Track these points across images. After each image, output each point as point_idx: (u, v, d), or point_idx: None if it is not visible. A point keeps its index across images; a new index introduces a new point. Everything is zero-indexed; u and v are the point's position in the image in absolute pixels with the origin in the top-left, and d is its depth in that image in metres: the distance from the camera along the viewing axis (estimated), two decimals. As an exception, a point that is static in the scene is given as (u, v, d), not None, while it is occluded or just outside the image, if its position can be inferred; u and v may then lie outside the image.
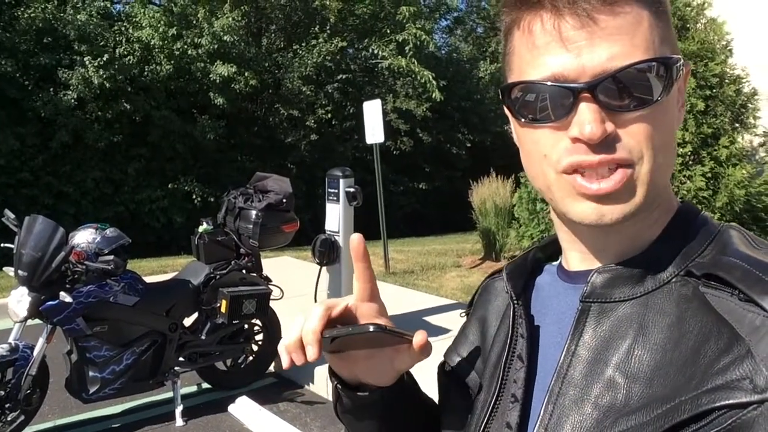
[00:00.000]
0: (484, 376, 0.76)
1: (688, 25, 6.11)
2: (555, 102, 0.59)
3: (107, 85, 12.01)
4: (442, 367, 0.86)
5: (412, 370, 0.78)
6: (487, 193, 8.85)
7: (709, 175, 5.90)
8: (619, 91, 0.57)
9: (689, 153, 5.93)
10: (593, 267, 0.66)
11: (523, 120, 0.63)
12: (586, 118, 0.57)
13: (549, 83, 0.59)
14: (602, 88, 0.57)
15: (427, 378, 0.95)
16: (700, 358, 0.54)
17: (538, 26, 0.60)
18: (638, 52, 0.58)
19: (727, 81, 6.03)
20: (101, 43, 12.39)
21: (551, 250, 0.79)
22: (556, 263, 0.76)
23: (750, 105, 6.32)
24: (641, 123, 0.58)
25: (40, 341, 3.48)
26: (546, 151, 0.61)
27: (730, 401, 0.50)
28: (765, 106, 6.53)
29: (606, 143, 0.58)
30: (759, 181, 6.16)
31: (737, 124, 6.30)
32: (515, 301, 0.73)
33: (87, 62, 11.80)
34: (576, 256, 0.70)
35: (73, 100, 11.85)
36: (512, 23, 0.64)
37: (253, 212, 4.23)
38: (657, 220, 0.65)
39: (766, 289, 0.54)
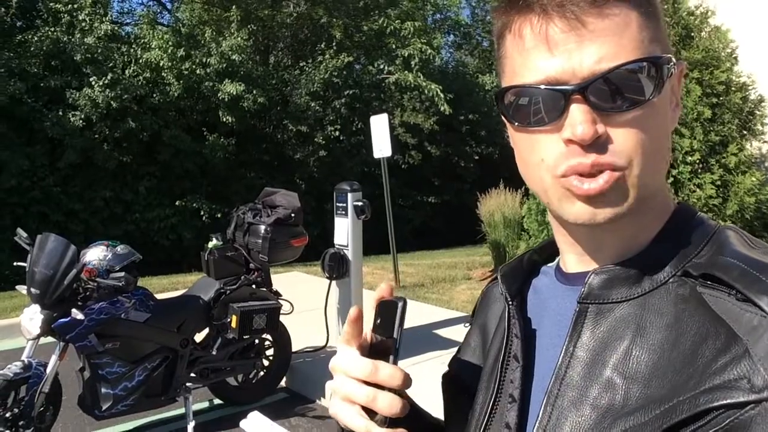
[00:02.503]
0: (482, 378, 0.77)
1: (692, 34, 6.12)
2: (547, 105, 0.60)
3: (114, 104, 12.15)
4: (446, 377, 0.86)
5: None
6: (495, 205, 8.85)
7: (719, 183, 5.89)
8: (610, 92, 0.58)
9: (698, 161, 5.92)
10: (590, 268, 0.66)
11: (517, 124, 0.64)
12: (578, 119, 0.57)
13: (540, 86, 0.60)
14: (593, 90, 0.58)
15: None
16: (697, 358, 0.54)
17: (528, 30, 0.61)
18: (627, 53, 0.58)
19: (733, 88, 6.03)
20: (110, 65, 12.56)
21: (548, 252, 0.79)
22: (552, 264, 0.77)
23: (757, 112, 6.31)
24: (633, 124, 0.59)
25: (53, 359, 3.50)
26: (542, 155, 0.62)
27: (728, 401, 0.51)
28: (772, 113, 6.51)
29: (598, 145, 0.58)
30: (769, 188, 6.13)
31: (745, 132, 6.29)
32: (509, 302, 0.73)
33: (93, 82, 11.97)
34: (573, 258, 0.70)
35: (80, 121, 11.99)
36: (503, 27, 0.65)
37: (262, 227, 4.25)
38: (653, 220, 0.65)
39: (763, 288, 0.54)
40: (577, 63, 0.58)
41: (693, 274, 0.60)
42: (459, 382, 0.83)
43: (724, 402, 0.51)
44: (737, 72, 6.18)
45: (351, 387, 0.65)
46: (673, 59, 0.61)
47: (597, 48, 0.58)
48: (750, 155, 6.16)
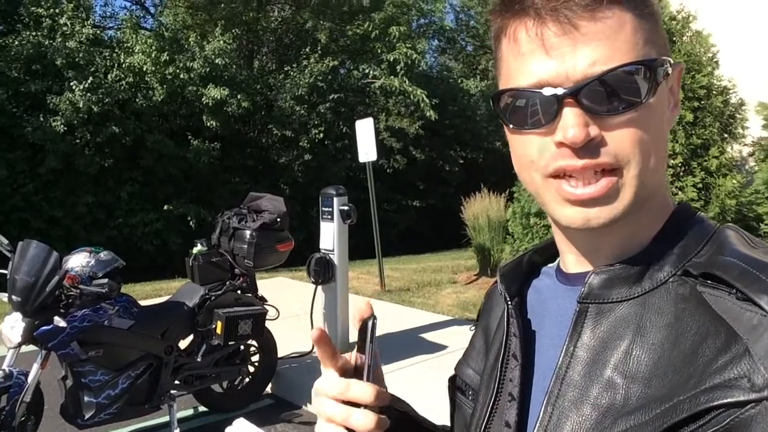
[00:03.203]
0: (482, 378, 0.77)
1: (674, 38, 6.20)
2: (541, 108, 0.60)
3: (95, 109, 12.04)
4: (452, 381, 0.87)
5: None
6: (480, 209, 8.87)
7: (700, 185, 5.96)
8: (603, 95, 0.58)
9: (680, 164, 5.98)
10: (590, 269, 0.67)
11: (512, 126, 0.64)
12: (569, 122, 0.58)
13: (534, 90, 0.60)
14: (585, 93, 0.58)
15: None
16: (698, 357, 0.54)
17: (523, 34, 0.62)
18: (620, 56, 0.58)
19: (714, 92, 6.11)
20: (91, 69, 12.46)
21: (549, 253, 0.79)
22: (553, 265, 0.77)
23: (738, 115, 6.40)
24: (628, 126, 0.59)
25: (35, 367, 3.44)
26: (533, 156, 0.63)
27: (728, 400, 0.51)
28: (753, 117, 6.61)
29: (590, 148, 0.59)
30: (749, 190, 6.22)
31: (726, 135, 6.37)
32: (508, 302, 0.73)
33: (74, 87, 11.86)
34: (573, 259, 0.70)
35: (62, 126, 11.87)
36: (500, 31, 0.66)
37: (248, 232, 4.22)
38: (652, 220, 0.66)
39: (763, 288, 0.54)
40: (570, 66, 0.59)
41: (693, 273, 0.60)
42: (463, 385, 0.83)
43: (725, 401, 0.51)
44: (718, 76, 6.26)
45: (329, 407, 0.66)
46: (670, 60, 0.62)
47: (590, 51, 0.58)
48: (731, 158, 6.24)
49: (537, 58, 0.60)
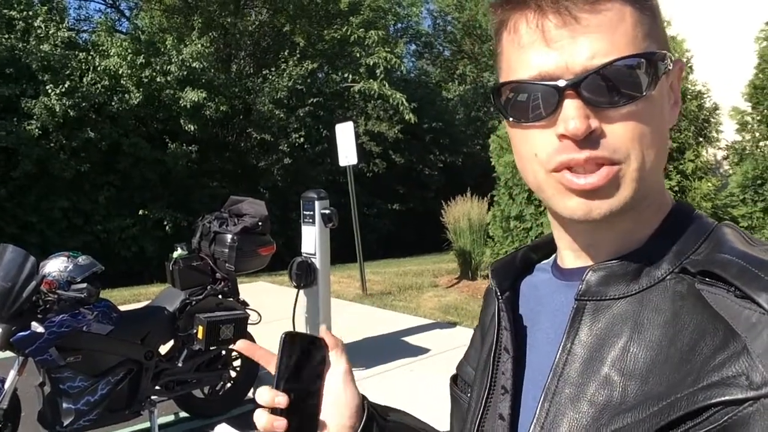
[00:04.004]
0: (476, 373, 0.77)
1: (650, 44, 6.29)
2: (542, 100, 0.60)
3: (71, 113, 11.87)
4: (453, 380, 0.88)
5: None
6: (461, 212, 8.91)
7: (677, 188, 6.04)
8: (603, 88, 0.58)
9: (656, 167, 6.07)
10: (588, 264, 0.66)
11: (512, 119, 0.64)
12: (570, 114, 0.58)
13: (534, 82, 0.60)
14: (586, 85, 0.58)
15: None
16: (695, 355, 0.54)
17: (524, 26, 0.61)
18: (620, 49, 0.58)
19: (689, 97, 6.21)
20: (67, 72, 12.28)
21: (545, 250, 0.79)
22: (548, 261, 0.77)
23: (712, 119, 6.51)
24: (628, 119, 0.59)
25: (12, 374, 3.38)
26: (536, 150, 0.62)
27: (726, 398, 0.50)
28: (727, 121, 6.74)
29: (591, 139, 0.58)
30: (724, 193, 6.33)
31: (701, 138, 6.48)
32: (499, 297, 0.73)
33: (49, 90, 11.68)
34: (570, 254, 0.70)
35: (36, 130, 11.67)
36: (500, 24, 0.65)
37: (229, 236, 4.18)
38: (651, 217, 0.65)
39: (762, 285, 0.53)
40: (570, 58, 0.58)
41: (691, 270, 0.60)
42: (463, 384, 0.84)
43: (722, 399, 0.51)
44: (693, 81, 6.37)
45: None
46: (671, 56, 0.62)
47: (590, 44, 0.58)
48: (706, 162, 6.34)
49: (537, 50, 0.60)
